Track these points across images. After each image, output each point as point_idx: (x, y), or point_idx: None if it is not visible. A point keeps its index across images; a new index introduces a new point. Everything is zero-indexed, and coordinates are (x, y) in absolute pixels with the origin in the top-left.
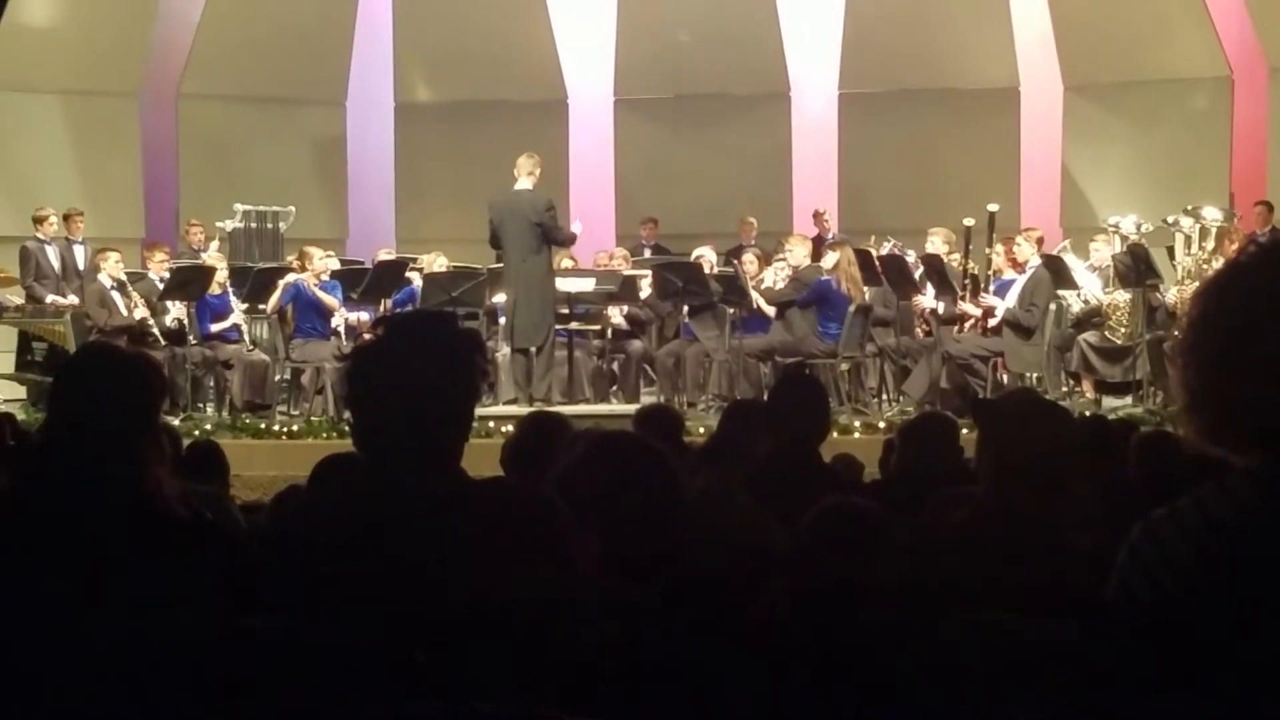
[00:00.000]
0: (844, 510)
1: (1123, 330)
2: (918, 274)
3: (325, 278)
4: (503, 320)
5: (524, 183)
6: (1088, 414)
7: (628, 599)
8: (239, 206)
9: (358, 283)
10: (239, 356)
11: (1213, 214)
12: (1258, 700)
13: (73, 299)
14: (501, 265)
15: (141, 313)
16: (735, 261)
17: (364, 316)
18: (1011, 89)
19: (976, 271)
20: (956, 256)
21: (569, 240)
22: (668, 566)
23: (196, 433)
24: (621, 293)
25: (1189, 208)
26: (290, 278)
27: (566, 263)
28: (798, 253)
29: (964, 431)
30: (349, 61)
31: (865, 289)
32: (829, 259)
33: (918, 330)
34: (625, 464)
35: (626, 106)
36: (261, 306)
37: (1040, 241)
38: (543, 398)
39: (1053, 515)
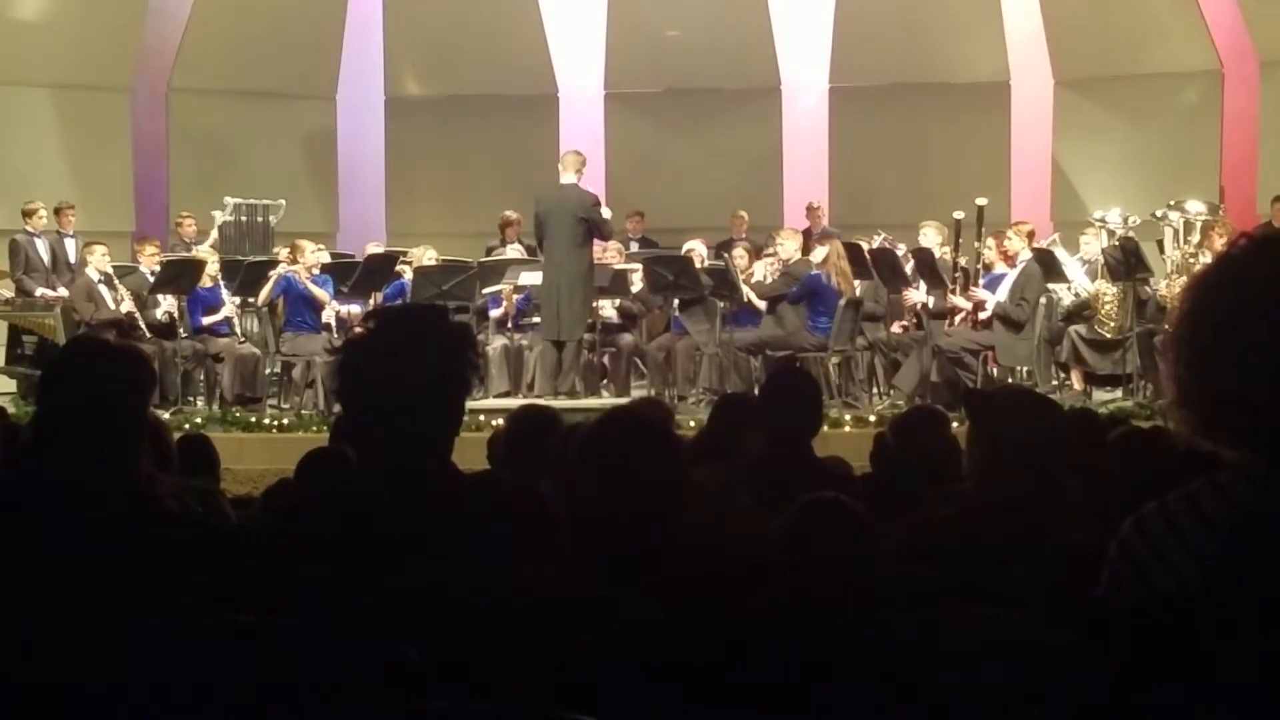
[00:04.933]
0: (820, 506)
1: (1112, 323)
2: (908, 268)
3: (316, 271)
4: (537, 317)
5: (569, 178)
6: (1076, 407)
7: (621, 596)
8: (229, 200)
9: (348, 276)
10: (229, 350)
11: (1196, 207)
12: (1250, 697)
13: (63, 292)
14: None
15: (128, 306)
16: (726, 255)
17: (355, 310)
18: (1002, 83)
19: (967, 265)
20: (947, 250)
21: (612, 234)
22: (666, 556)
23: (187, 426)
24: (612, 286)
25: (1172, 201)
26: (281, 269)
27: None
28: (788, 246)
29: (954, 425)
30: (339, 56)
31: (856, 283)
32: (818, 253)
33: (895, 325)
34: (632, 436)
35: (617, 101)
36: (252, 300)
37: (1031, 235)
38: (567, 391)
39: (1043, 510)
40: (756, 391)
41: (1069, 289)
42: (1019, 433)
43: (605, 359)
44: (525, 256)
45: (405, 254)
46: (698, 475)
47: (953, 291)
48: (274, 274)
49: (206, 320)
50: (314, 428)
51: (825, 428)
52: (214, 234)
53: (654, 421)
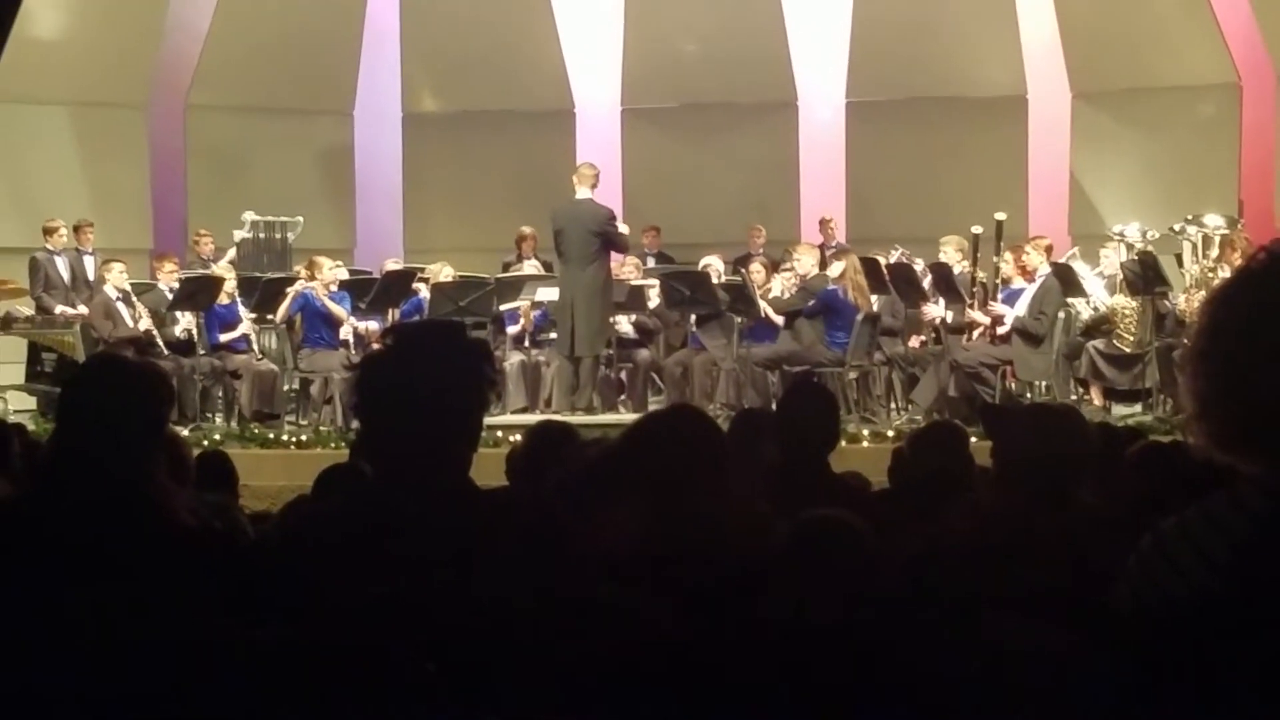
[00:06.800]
0: (822, 524)
1: (1130, 337)
2: (926, 282)
3: (334, 288)
4: (554, 332)
5: (584, 192)
6: (1095, 421)
7: (635, 606)
8: (247, 216)
9: (365, 292)
10: (247, 366)
11: (1215, 221)
12: (1264, 708)
13: (82, 310)
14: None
15: (146, 323)
16: (743, 270)
17: (373, 326)
18: (1019, 97)
19: (985, 280)
20: (966, 264)
21: (628, 247)
22: (695, 556)
23: (205, 443)
24: (629, 302)
25: (1191, 216)
26: (299, 286)
27: None
28: (805, 261)
29: (973, 440)
30: (356, 72)
31: (873, 298)
32: (835, 268)
33: (913, 340)
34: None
35: (634, 116)
36: (270, 316)
37: (1049, 250)
38: (584, 406)
39: (1061, 522)
40: (774, 407)
41: (1088, 303)
42: (1034, 442)
43: (622, 374)
44: (542, 272)
45: (423, 270)
46: None
47: (971, 306)
48: (292, 290)
49: (224, 337)
50: (332, 444)
51: (843, 443)
52: (232, 251)
53: (708, 417)
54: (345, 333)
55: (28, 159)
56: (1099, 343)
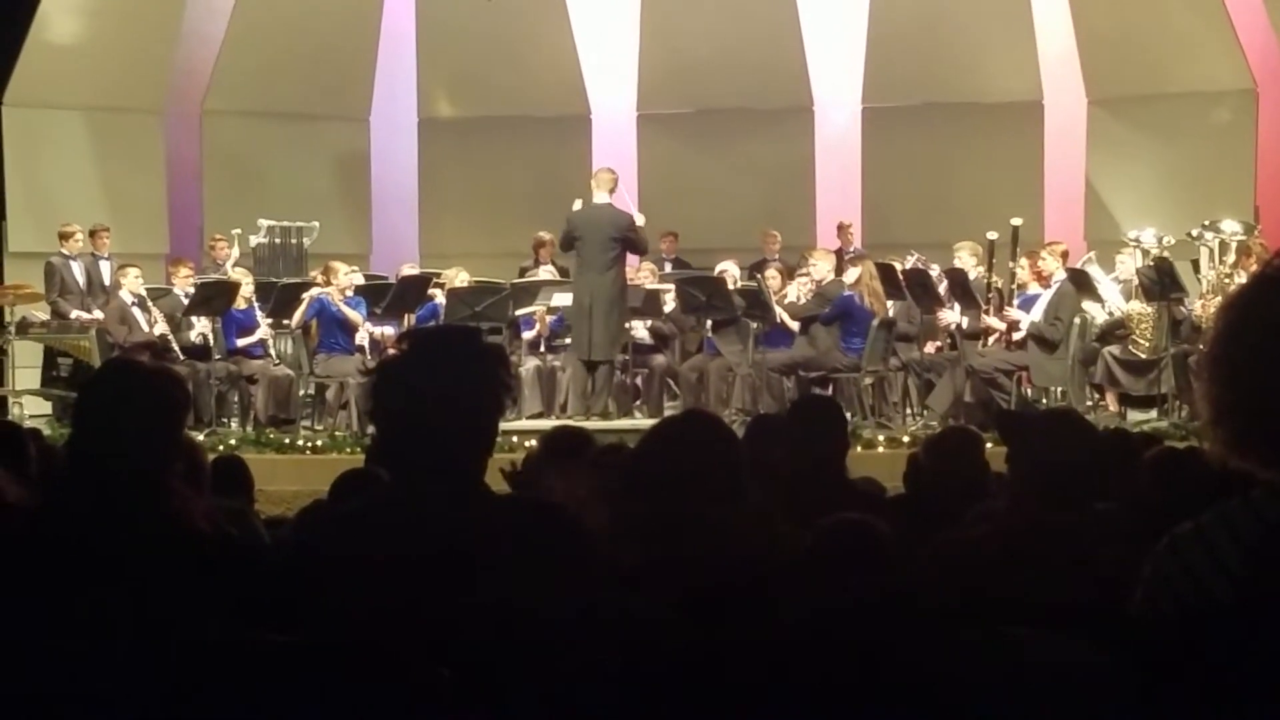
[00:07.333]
0: (847, 527)
1: (1146, 343)
2: (941, 288)
3: (350, 293)
4: (570, 338)
5: (602, 197)
6: (1111, 427)
7: (648, 611)
8: (263, 222)
9: (381, 298)
10: (263, 371)
11: (1231, 227)
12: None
13: (97, 315)
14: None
15: (161, 328)
16: (758, 276)
17: (388, 331)
18: (1035, 103)
19: (1001, 285)
20: (981, 270)
21: (647, 247)
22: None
23: (221, 448)
24: (645, 307)
25: (1208, 221)
26: (315, 292)
27: None
28: (821, 267)
29: (988, 446)
30: (373, 77)
31: (889, 303)
32: (851, 274)
33: (929, 345)
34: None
35: (649, 121)
36: (286, 321)
37: (1065, 255)
38: (600, 412)
39: (1076, 528)
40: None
41: (1103, 309)
42: (1053, 455)
43: (638, 380)
44: (557, 277)
45: (438, 275)
46: None
47: (987, 312)
48: (307, 296)
49: (241, 342)
50: (347, 449)
51: (858, 449)
52: (234, 253)
53: (723, 423)
54: (361, 338)
55: (44, 164)
56: (1114, 348)
